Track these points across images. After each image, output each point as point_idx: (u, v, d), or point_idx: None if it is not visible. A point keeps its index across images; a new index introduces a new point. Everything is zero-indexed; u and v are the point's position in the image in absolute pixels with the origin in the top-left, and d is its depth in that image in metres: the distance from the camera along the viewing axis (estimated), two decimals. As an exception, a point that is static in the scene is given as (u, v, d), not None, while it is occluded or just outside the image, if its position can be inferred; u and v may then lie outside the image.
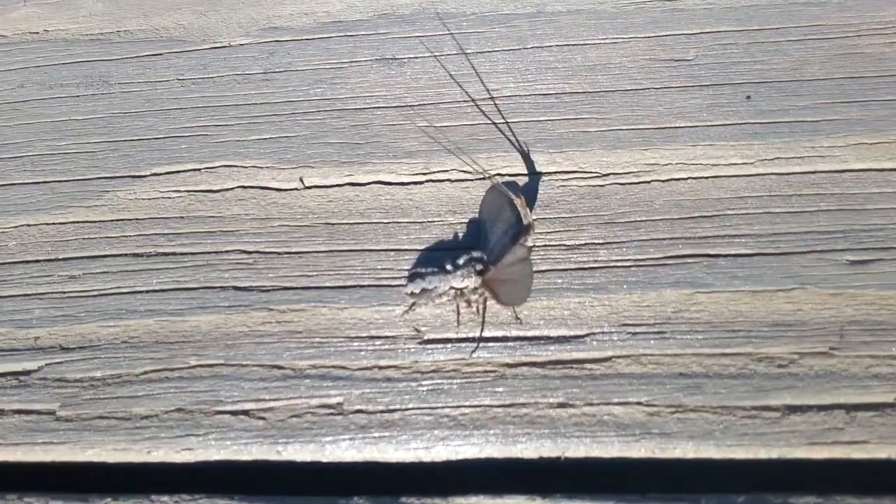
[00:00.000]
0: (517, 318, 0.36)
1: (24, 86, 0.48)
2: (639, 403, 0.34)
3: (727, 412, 0.34)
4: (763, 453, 0.33)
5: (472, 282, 0.36)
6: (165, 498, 0.35)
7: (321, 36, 0.47)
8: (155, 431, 0.36)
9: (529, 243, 0.37)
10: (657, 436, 0.34)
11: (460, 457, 0.35)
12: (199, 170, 0.43)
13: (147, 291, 0.40)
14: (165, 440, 0.36)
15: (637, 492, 0.33)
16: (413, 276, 0.37)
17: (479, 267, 0.36)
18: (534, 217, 0.39)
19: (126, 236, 0.41)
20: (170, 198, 0.42)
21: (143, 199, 0.43)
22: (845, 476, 0.33)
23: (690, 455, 0.33)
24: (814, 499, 0.32)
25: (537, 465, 0.34)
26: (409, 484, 0.35)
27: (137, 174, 0.43)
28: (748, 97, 0.41)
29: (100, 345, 0.39)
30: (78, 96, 0.47)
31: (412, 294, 0.36)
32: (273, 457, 0.35)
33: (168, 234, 0.41)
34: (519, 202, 0.37)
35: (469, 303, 0.37)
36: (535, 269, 0.37)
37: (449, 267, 0.36)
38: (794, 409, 0.33)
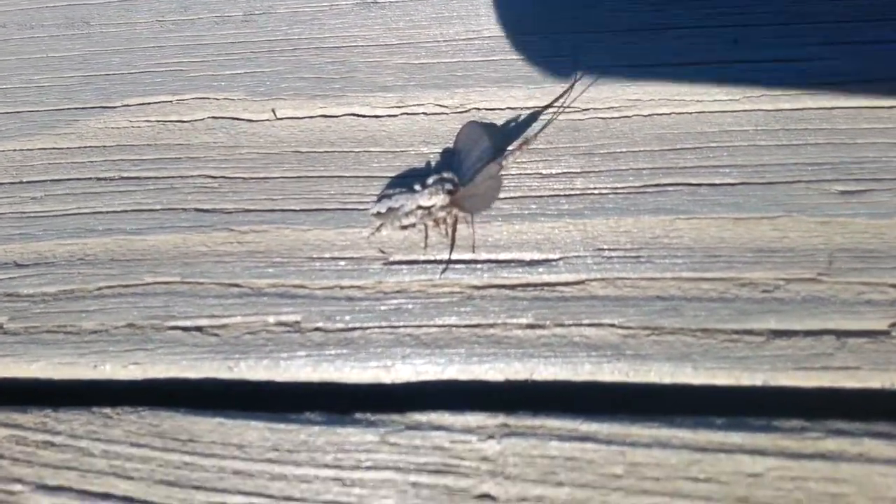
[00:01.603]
0: (473, 247, 0.35)
1: (6, 26, 0.48)
2: (612, 325, 0.32)
3: (707, 335, 0.31)
4: (746, 379, 0.31)
5: (440, 199, 0.34)
6: (107, 409, 0.33)
7: (305, -18, 0.47)
8: (103, 346, 0.34)
9: (504, 164, 0.36)
10: (631, 357, 0.31)
11: (422, 378, 0.32)
12: (170, 101, 0.42)
13: (107, 212, 0.38)
14: (113, 354, 0.34)
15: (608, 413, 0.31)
16: (380, 198, 0.35)
17: (448, 187, 0.35)
18: (510, 148, 0.37)
19: (92, 161, 0.40)
20: (139, 127, 0.41)
21: (112, 127, 0.41)
22: (835, 405, 0.30)
23: (667, 380, 0.31)
24: (801, 422, 0.29)
25: (503, 388, 0.32)
26: (367, 404, 0.33)
27: (108, 105, 0.42)
28: (735, 41, 0.40)
29: (55, 262, 0.37)
30: (57, 36, 0.46)
31: (378, 214, 0.35)
32: (224, 374, 0.33)
33: (134, 160, 0.40)
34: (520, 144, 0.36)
35: (437, 222, 0.35)
36: (508, 195, 0.36)
37: (417, 187, 0.35)
38: (779, 334, 0.31)
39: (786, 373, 0.30)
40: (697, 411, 0.30)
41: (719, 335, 0.31)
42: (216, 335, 0.34)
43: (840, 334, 0.31)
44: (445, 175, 0.35)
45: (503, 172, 0.36)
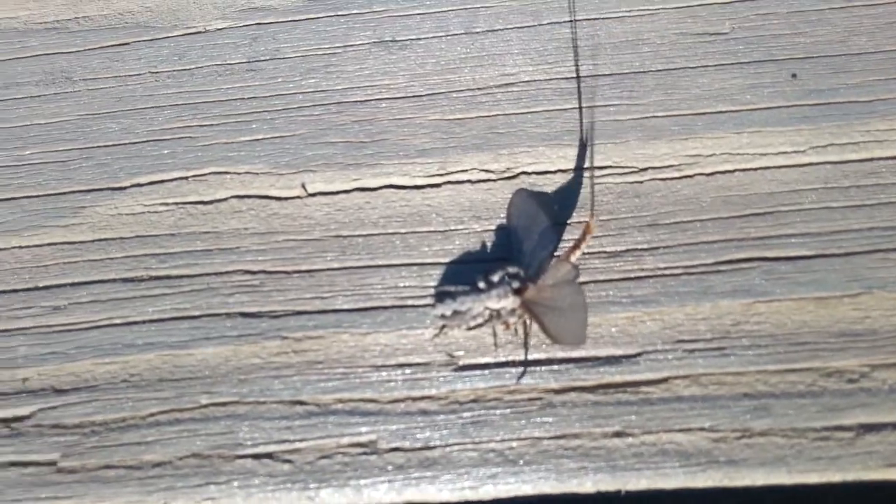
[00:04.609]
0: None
1: (-26, 85, 0.42)
2: (702, 429, 0.32)
3: (798, 435, 0.31)
4: (838, 477, 0.31)
5: (509, 302, 0.33)
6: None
7: (309, 16, 0.42)
8: (170, 481, 0.33)
9: (574, 258, 0.34)
10: (724, 464, 0.31)
11: (511, 495, 0.32)
12: (186, 178, 0.38)
13: (143, 322, 0.36)
14: (183, 490, 0.33)
15: (704, 524, 0.31)
16: (442, 296, 0.33)
17: (515, 284, 0.33)
18: (569, 221, 0.35)
19: (111, 258, 0.37)
20: (157, 212, 0.38)
21: (125, 214, 0.38)
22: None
23: (760, 482, 0.31)
24: (896, 525, 0.30)
25: (595, 500, 0.32)
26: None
27: (117, 186, 0.39)
28: (794, 75, 0.37)
29: (97, 385, 0.35)
30: (38, 96, 0.42)
31: (443, 316, 0.33)
32: (305, 503, 0.32)
33: (159, 254, 0.37)
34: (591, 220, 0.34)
35: (507, 325, 0.33)
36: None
37: (482, 285, 0.33)
38: (868, 428, 0.31)
39: (877, 469, 0.31)
40: (792, 513, 0.31)
41: (810, 434, 0.31)
42: (289, 461, 0.33)
43: (929, 423, 0.31)
44: (510, 269, 0.33)
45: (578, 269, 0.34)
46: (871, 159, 0.35)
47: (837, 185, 0.35)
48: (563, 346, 0.33)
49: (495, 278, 0.33)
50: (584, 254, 0.34)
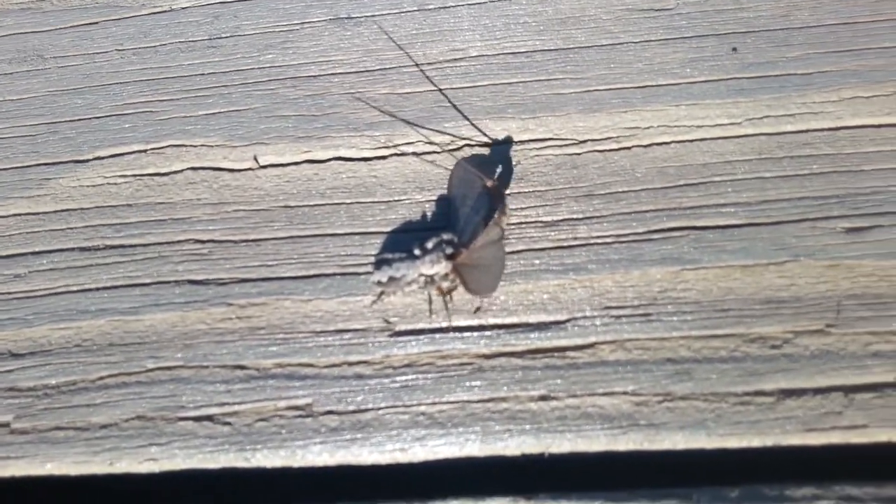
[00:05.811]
0: (477, 308, 0.34)
1: (-49, 63, 0.44)
2: (625, 393, 0.32)
3: (718, 399, 0.32)
4: (757, 441, 0.31)
5: (442, 267, 0.33)
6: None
7: (270, -6, 0.43)
8: (115, 441, 0.34)
9: (504, 222, 0.34)
10: (645, 427, 0.32)
11: (439, 456, 0.33)
12: (144, 151, 0.40)
13: (97, 289, 0.37)
14: (127, 450, 0.34)
15: (626, 487, 0.31)
16: (380, 263, 0.34)
17: (449, 251, 0.34)
18: (508, 191, 0.36)
19: (72, 228, 0.38)
20: (115, 184, 0.39)
21: (87, 186, 0.39)
22: (844, 462, 0.31)
23: (681, 446, 0.32)
24: (812, 490, 0.30)
25: (520, 463, 0.32)
26: (387, 486, 0.33)
27: (80, 159, 0.40)
28: (734, 49, 0.38)
29: (52, 349, 0.36)
30: (11, 74, 0.43)
31: (379, 283, 0.34)
32: (242, 464, 0.34)
33: (116, 224, 0.38)
34: (490, 182, 0.34)
35: (441, 290, 0.34)
36: (510, 249, 0.35)
37: (417, 252, 0.34)
38: (788, 394, 0.31)
39: (795, 434, 0.31)
40: (711, 477, 0.31)
41: (730, 398, 0.32)
42: (228, 424, 0.34)
43: (848, 390, 0.31)
44: (444, 237, 0.34)
45: (505, 232, 0.35)
46: (807, 131, 0.36)
47: (771, 155, 0.35)
48: (495, 311, 0.34)
49: (430, 245, 0.34)
50: (510, 220, 0.35)
